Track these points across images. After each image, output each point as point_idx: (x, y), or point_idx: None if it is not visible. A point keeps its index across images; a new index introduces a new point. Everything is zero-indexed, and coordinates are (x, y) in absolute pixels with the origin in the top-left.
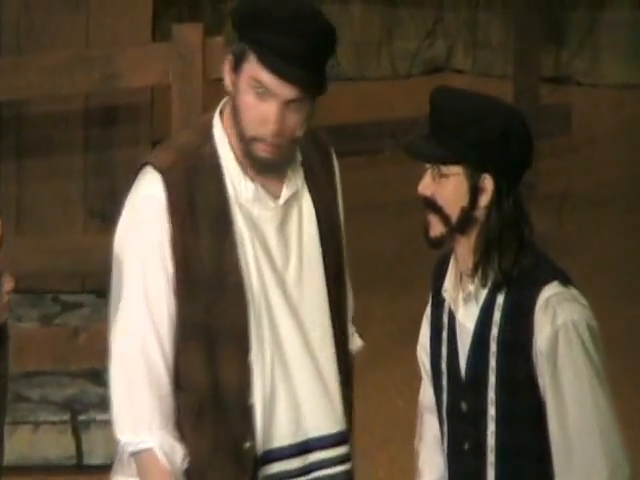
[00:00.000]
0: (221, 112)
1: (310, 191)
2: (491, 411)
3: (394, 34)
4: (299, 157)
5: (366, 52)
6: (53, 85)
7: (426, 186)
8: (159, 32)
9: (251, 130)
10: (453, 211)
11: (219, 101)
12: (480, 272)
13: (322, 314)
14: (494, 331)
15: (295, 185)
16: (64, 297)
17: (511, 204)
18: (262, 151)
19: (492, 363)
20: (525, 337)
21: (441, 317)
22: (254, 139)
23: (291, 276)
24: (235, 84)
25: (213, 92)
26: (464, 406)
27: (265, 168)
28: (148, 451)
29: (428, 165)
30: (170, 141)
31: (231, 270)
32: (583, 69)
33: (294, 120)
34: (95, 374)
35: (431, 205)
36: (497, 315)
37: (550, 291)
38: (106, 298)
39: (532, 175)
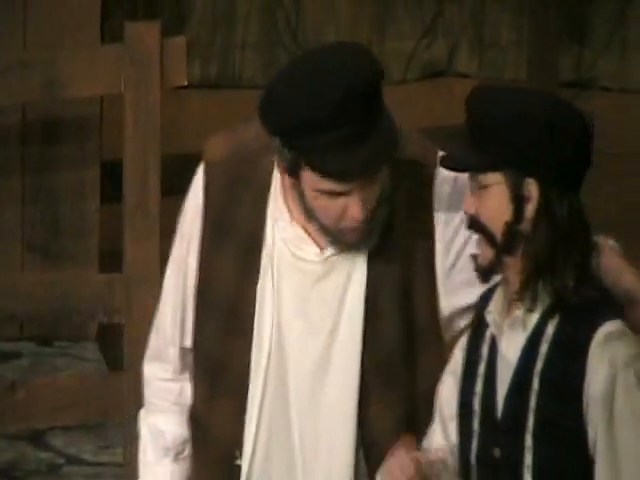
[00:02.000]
0: None
1: (371, 257)
2: (527, 460)
3: (386, 32)
4: None
5: None
6: None
7: (468, 204)
8: (109, 32)
9: (335, 224)
10: (497, 228)
11: (180, 113)
12: (529, 294)
13: (346, 398)
14: (539, 365)
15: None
16: None
17: (565, 213)
18: (352, 238)
19: (532, 403)
20: (575, 378)
21: (480, 348)
22: (341, 231)
23: (319, 339)
24: (297, 185)
25: (173, 103)
26: (497, 452)
27: (351, 247)
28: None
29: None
30: (237, 129)
31: (245, 312)
32: (610, 72)
33: (372, 196)
34: (36, 436)
35: (475, 225)
36: (544, 347)
37: (611, 327)
38: (48, 346)
39: None
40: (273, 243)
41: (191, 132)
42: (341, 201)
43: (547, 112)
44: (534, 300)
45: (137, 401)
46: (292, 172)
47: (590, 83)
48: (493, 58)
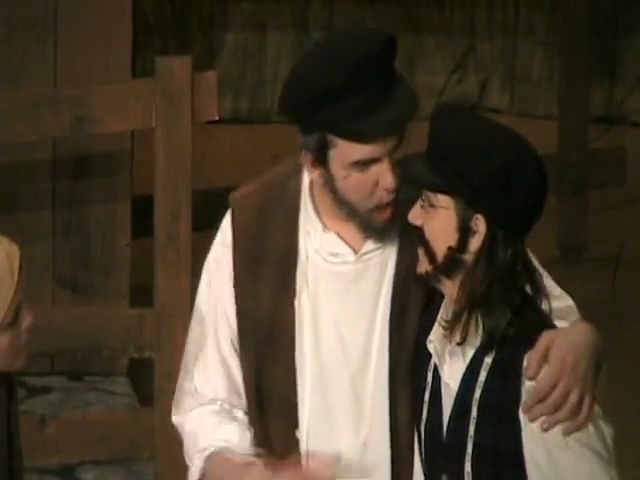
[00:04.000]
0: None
1: (400, 250)
2: None
3: (417, 67)
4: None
5: None
6: (15, 130)
7: (415, 215)
8: (140, 66)
9: (367, 202)
10: (439, 249)
11: (212, 148)
12: (459, 327)
13: (382, 400)
14: (477, 393)
15: (380, 239)
16: (29, 380)
17: (508, 257)
18: (382, 219)
19: (471, 430)
20: (511, 400)
21: (425, 375)
22: (372, 210)
23: (359, 340)
24: (324, 174)
25: (204, 138)
26: (445, 479)
27: (382, 234)
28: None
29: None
30: (262, 176)
31: (285, 331)
32: None
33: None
34: (66, 470)
35: (419, 237)
36: (483, 375)
37: None
38: (79, 380)
39: (580, 232)
40: (307, 257)
41: (222, 167)
42: (373, 171)
43: (507, 155)
44: (463, 335)
45: (167, 435)
46: (320, 156)
47: (621, 119)
48: (524, 93)
